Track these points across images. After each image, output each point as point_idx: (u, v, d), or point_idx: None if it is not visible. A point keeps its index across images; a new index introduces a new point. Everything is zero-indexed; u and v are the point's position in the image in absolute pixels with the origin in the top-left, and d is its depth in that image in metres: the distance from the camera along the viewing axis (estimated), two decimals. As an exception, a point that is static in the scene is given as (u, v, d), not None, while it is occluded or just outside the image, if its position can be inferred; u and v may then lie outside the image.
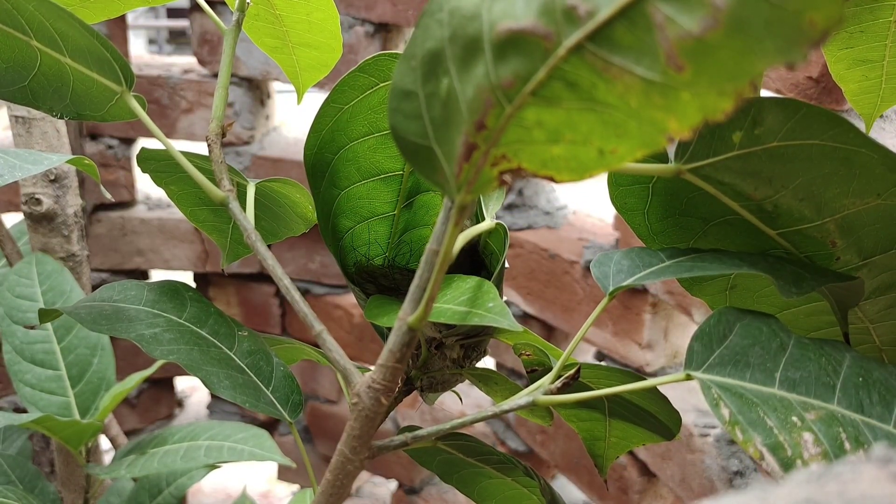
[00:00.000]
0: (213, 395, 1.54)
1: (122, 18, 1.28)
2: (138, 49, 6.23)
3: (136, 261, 1.36)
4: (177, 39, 6.94)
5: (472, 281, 0.39)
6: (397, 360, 0.35)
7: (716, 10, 0.19)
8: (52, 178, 0.76)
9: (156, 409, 1.49)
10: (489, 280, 0.39)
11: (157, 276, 1.44)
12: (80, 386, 0.69)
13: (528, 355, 0.44)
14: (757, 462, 0.50)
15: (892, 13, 0.47)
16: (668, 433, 0.44)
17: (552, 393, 0.37)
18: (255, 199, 0.48)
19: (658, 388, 0.40)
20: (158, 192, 1.41)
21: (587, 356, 1.11)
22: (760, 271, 0.33)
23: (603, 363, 0.67)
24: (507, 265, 0.44)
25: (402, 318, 0.34)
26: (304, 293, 1.33)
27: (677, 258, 0.36)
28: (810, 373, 0.31)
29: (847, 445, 0.29)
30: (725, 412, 0.30)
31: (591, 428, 0.48)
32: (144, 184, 1.40)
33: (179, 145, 0.52)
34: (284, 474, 1.53)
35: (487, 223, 0.41)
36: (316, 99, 0.60)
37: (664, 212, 0.39)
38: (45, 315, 0.47)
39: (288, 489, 1.59)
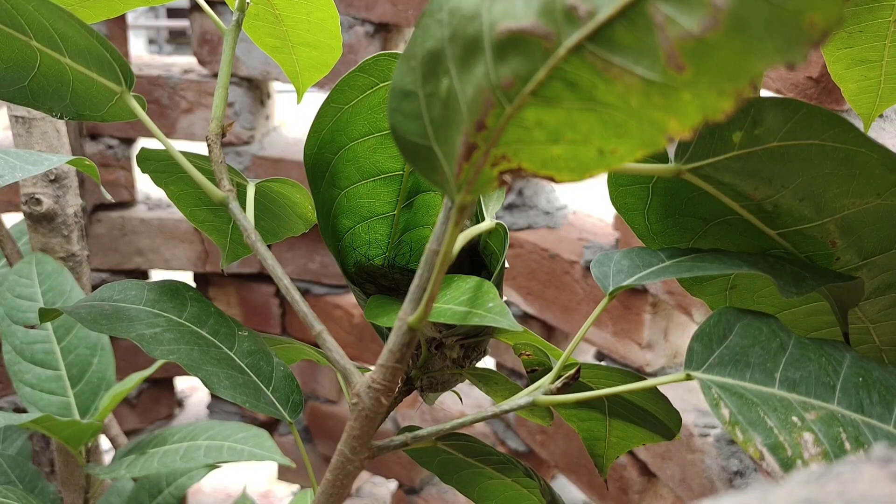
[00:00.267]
0: (213, 395, 1.54)
1: (122, 18, 1.28)
2: (138, 49, 6.23)
3: (136, 261, 1.36)
4: (177, 39, 6.94)
5: (472, 281, 0.39)
6: (397, 360, 0.35)
7: (716, 9, 0.19)
8: (52, 178, 0.76)
9: (156, 409, 1.49)
10: (489, 280, 0.39)
11: (157, 276, 1.44)
12: (80, 386, 0.69)
13: (528, 355, 0.44)
14: (757, 462, 0.50)
15: (891, 13, 0.47)
16: (668, 433, 0.44)
17: (552, 393, 0.37)
18: (255, 199, 0.48)
19: (658, 388, 0.40)
20: (158, 192, 1.41)
21: (587, 356, 1.11)
22: (760, 271, 0.33)
23: (603, 363, 0.67)
24: (507, 265, 0.44)
25: (402, 318, 0.34)
26: (304, 293, 1.33)
27: (677, 258, 0.36)
28: (810, 373, 0.31)
29: (847, 445, 0.29)
30: (725, 412, 0.30)
31: (591, 428, 0.48)
32: (144, 184, 1.40)
33: (179, 145, 0.52)
34: (284, 474, 1.53)
35: (487, 223, 0.41)
36: (316, 99, 0.60)
37: (664, 212, 0.39)
38: (45, 315, 0.47)
39: (288, 489, 1.59)
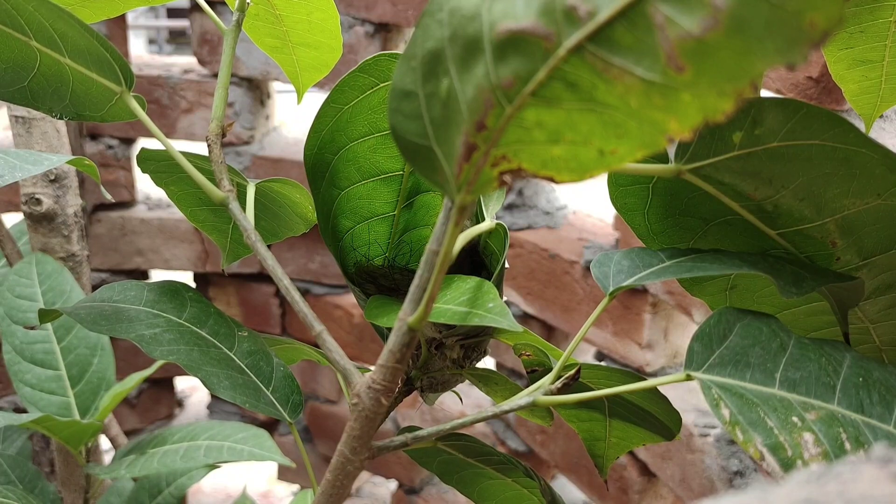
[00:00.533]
0: (213, 395, 1.54)
1: (122, 18, 1.28)
2: (138, 49, 6.23)
3: (136, 261, 1.36)
4: (177, 39, 6.94)
5: (472, 281, 0.39)
6: (397, 361, 0.35)
7: (716, 10, 0.19)
8: (52, 178, 0.76)
9: (156, 409, 1.49)
10: (489, 280, 0.39)
11: (157, 276, 1.44)
12: (80, 386, 0.69)
13: (528, 355, 0.44)
14: (757, 462, 0.50)
15: (891, 13, 0.47)
16: (668, 433, 0.44)
17: (552, 393, 0.37)
18: (255, 200, 0.48)
19: (658, 388, 0.40)
20: (158, 192, 1.41)
21: (587, 356, 1.11)
22: (760, 271, 0.33)
23: (603, 363, 0.67)
24: (507, 265, 0.44)
25: (402, 318, 0.34)
26: (304, 293, 1.33)
27: (677, 258, 0.36)
28: (810, 373, 0.31)
29: (847, 445, 0.29)
30: (726, 412, 0.30)
31: (592, 428, 0.48)
32: (144, 184, 1.40)
33: (179, 145, 0.52)
34: (284, 474, 1.53)
35: (487, 223, 0.41)
36: (316, 99, 0.60)
37: (664, 212, 0.39)
38: (45, 315, 0.47)
39: (288, 489, 1.59)
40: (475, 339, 0.45)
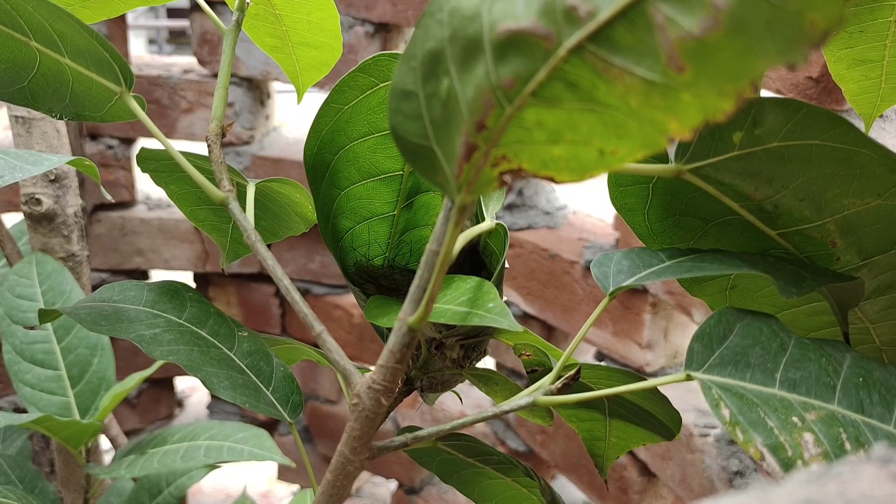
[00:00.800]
0: (213, 396, 1.54)
1: (122, 18, 1.28)
2: (138, 49, 6.23)
3: (136, 261, 1.36)
4: (177, 39, 6.94)
5: (472, 281, 0.39)
6: (397, 361, 0.35)
7: (716, 10, 0.19)
8: (52, 178, 0.76)
9: (156, 409, 1.49)
10: (489, 280, 0.39)
11: (157, 276, 1.44)
12: (80, 386, 0.69)
13: (528, 356, 0.44)
14: (757, 462, 0.50)
15: (891, 13, 0.47)
16: (668, 433, 0.44)
17: (552, 393, 0.37)
18: (255, 199, 0.48)
19: (658, 388, 0.40)
20: (158, 192, 1.41)
21: (587, 356, 1.11)
22: (760, 271, 0.33)
23: (603, 363, 0.67)
24: (507, 265, 0.44)
25: (403, 318, 0.34)
26: (304, 293, 1.33)
27: (677, 258, 0.36)
28: (811, 373, 0.31)
29: (847, 446, 0.29)
30: (726, 412, 0.30)
31: (592, 428, 0.48)
32: (144, 184, 1.40)
33: (179, 145, 0.52)
34: (284, 474, 1.53)
35: (487, 223, 0.41)
36: (316, 99, 0.60)
37: (664, 212, 0.39)
38: (45, 315, 0.47)
39: (288, 489, 1.59)
40: (475, 339, 0.45)
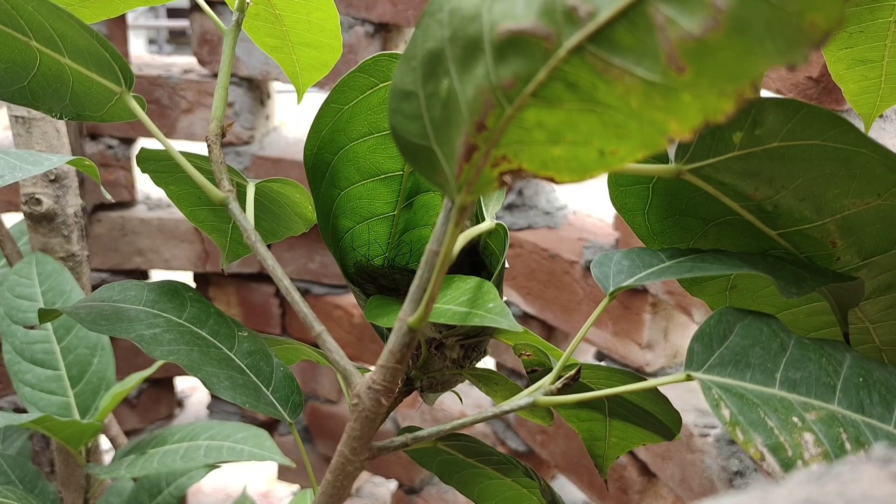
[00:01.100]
0: (213, 396, 1.54)
1: (122, 18, 1.28)
2: (138, 49, 6.23)
3: (136, 261, 1.36)
4: (177, 39, 6.94)
5: (472, 281, 0.39)
6: (397, 361, 0.35)
7: (716, 11, 0.19)
8: (52, 178, 0.76)
9: (156, 409, 1.49)
10: (489, 280, 0.39)
11: (157, 276, 1.44)
12: (80, 386, 0.69)
13: (528, 356, 0.44)
14: (757, 462, 0.50)
15: (891, 13, 0.47)
16: (668, 433, 0.44)
17: (552, 393, 0.37)
18: (255, 199, 0.48)
19: (658, 388, 0.40)
20: (158, 192, 1.41)
21: (587, 356, 1.11)
22: (760, 271, 0.33)
23: (603, 363, 0.67)
24: (507, 265, 0.44)
25: (403, 318, 0.34)
26: (304, 293, 1.33)
27: (677, 258, 0.36)
28: (811, 373, 0.31)
29: (847, 446, 0.29)
30: (726, 413, 0.30)
31: (592, 428, 0.48)
32: (144, 184, 1.40)
33: (179, 145, 0.52)
34: (284, 474, 1.53)
35: (487, 223, 0.41)
36: (316, 99, 0.60)
37: (664, 212, 0.39)
38: (45, 315, 0.47)
39: (288, 489, 1.59)
40: (475, 339, 0.45)
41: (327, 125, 0.44)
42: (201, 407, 1.57)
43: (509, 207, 1.12)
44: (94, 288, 1.05)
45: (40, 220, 0.77)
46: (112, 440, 0.81)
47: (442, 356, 0.45)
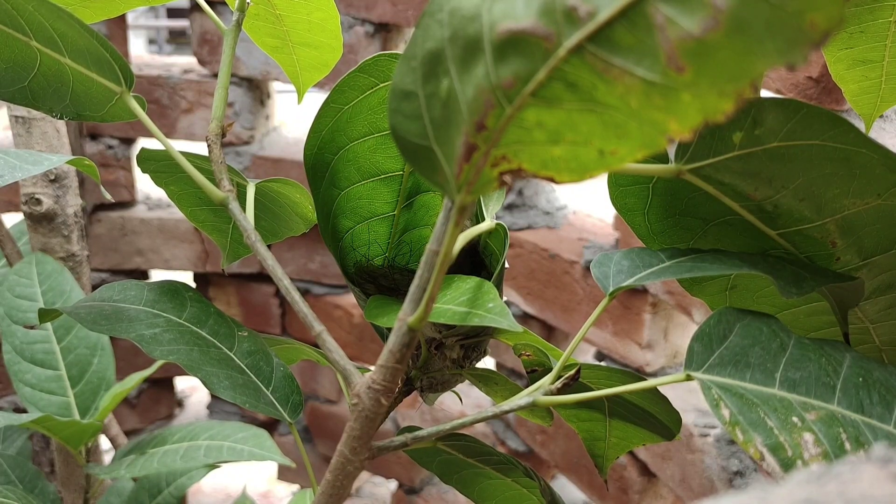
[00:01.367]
0: (213, 395, 1.54)
1: (122, 18, 1.28)
2: (138, 49, 6.23)
3: (136, 261, 1.36)
4: (177, 39, 6.94)
5: (472, 281, 0.39)
6: (397, 361, 0.35)
7: (716, 10, 0.19)
8: (52, 178, 0.76)
9: (156, 409, 1.49)
10: (489, 280, 0.39)
11: (157, 276, 1.44)
12: (80, 386, 0.69)
13: (528, 356, 0.44)
14: (757, 462, 0.50)
15: (891, 13, 0.47)
16: (668, 433, 0.44)
17: (552, 393, 0.37)
18: (255, 200, 0.48)
19: (658, 388, 0.40)
20: (158, 192, 1.41)
21: (587, 356, 1.11)
22: (760, 271, 0.33)
23: (603, 363, 0.67)
24: (507, 265, 0.44)
25: (402, 318, 0.34)
26: (304, 293, 1.33)
27: (677, 258, 0.36)
28: (810, 373, 0.31)
29: (847, 446, 0.29)
30: (726, 413, 0.30)
31: (592, 428, 0.48)
32: (144, 184, 1.40)
33: (179, 145, 0.52)
34: (284, 474, 1.53)
35: (487, 223, 0.41)
36: (316, 99, 0.60)
37: (664, 212, 0.39)
38: (45, 315, 0.47)
39: (288, 489, 1.59)
40: (475, 339, 0.45)
41: (327, 125, 0.44)
42: (201, 407, 1.57)
43: (509, 207, 1.12)
44: (94, 288, 1.05)
45: (40, 220, 0.77)
46: (112, 440, 0.81)
47: (442, 356, 0.45)
